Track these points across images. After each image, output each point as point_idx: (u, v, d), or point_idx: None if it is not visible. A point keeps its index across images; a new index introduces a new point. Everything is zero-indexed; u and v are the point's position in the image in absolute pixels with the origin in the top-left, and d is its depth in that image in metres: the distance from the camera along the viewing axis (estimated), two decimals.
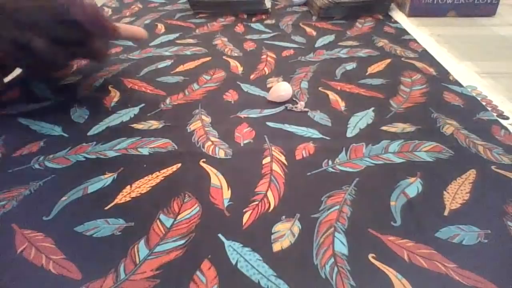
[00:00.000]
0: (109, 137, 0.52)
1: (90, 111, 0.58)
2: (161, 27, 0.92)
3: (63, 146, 0.50)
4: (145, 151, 0.49)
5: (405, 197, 0.41)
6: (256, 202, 0.41)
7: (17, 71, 0.68)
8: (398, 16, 0.98)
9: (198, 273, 0.33)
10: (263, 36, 0.86)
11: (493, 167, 0.45)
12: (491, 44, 0.82)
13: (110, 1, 1.14)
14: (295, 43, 0.81)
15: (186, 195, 0.42)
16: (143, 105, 0.59)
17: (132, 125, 0.54)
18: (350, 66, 0.70)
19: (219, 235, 0.37)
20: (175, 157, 0.48)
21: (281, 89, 0.58)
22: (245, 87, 0.64)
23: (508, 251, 0.35)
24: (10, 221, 0.39)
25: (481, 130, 0.51)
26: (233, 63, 0.73)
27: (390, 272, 0.33)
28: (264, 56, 0.75)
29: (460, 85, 0.63)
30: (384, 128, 0.52)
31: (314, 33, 0.87)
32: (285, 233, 0.37)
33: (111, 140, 0.51)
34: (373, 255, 0.35)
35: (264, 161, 0.47)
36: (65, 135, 0.53)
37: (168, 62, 0.73)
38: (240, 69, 0.71)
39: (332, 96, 0.61)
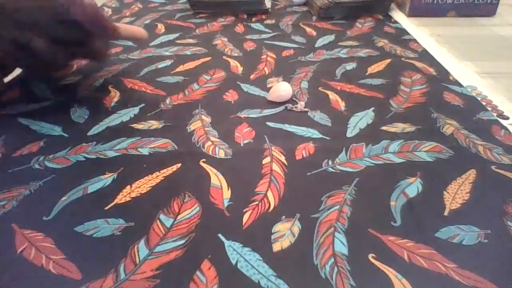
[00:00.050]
0: (109, 137, 0.52)
1: (90, 111, 0.58)
2: (161, 27, 0.92)
3: (63, 146, 0.50)
4: (145, 151, 0.49)
5: (405, 197, 0.41)
6: (256, 202, 0.41)
7: (17, 71, 0.68)
8: (398, 16, 0.98)
9: (198, 273, 0.33)
10: (263, 36, 0.86)
11: (493, 167, 0.45)
12: (491, 44, 0.82)
13: (110, 1, 1.14)
14: (295, 43, 0.81)
15: (186, 195, 0.42)
16: (143, 105, 0.59)
17: (132, 125, 0.54)
18: (350, 66, 0.70)
19: (219, 235, 0.37)
20: (175, 157, 0.48)
21: (281, 89, 0.58)
22: (245, 87, 0.64)
23: (508, 251, 0.35)
24: (10, 221, 0.39)
25: (481, 130, 0.51)
26: (233, 63, 0.73)
27: (390, 272, 0.33)
28: (264, 56, 0.75)
29: (460, 85, 0.63)
30: (384, 128, 0.52)
31: (314, 33, 0.87)
32: (285, 233, 0.37)
33: (111, 140, 0.51)
34: (373, 255, 0.35)
35: (264, 161, 0.47)
36: (65, 135, 0.53)
37: (168, 62, 0.73)
38: (240, 69, 0.71)
39: (332, 96, 0.61)
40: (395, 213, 0.39)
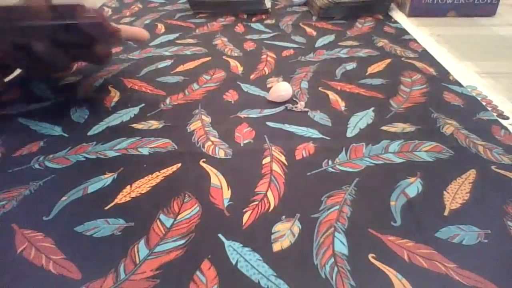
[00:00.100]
0: (109, 137, 0.52)
1: (90, 111, 0.58)
2: (161, 27, 0.92)
3: (63, 146, 0.50)
4: (145, 151, 0.49)
5: (405, 197, 0.41)
6: (256, 202, 0.41)
7: (17, 71, 0.68)
8: (398, 16, 0.98)
9: (198, 273, 0.33)
10: (263, 36, 0.86)
11: (493, 167, 0.45)
12: (491, 44, 0.82)
13: (110, 1, 1.14)
14: (295, 43, 0.81)
15: (186, 195, 0.42)
16: (143, 105, 0.59)
17: (132, 125, 0.54)
18: (350, 66, 0.70)
19: (219, 235, 0.37)
20: (175, 157, 0.48)
21: (281, 89, 0.58)
22: (245, 87, 0.64)
23: (508, 251, 0.35)
24: (10, 221, 0.39)
25: (481, 130, 0.51)
26: (233, 63, 0.73)
27: (390, 272, 0.33)
28: (264, 56, 0.75)
29: (460, 85, 0.63)
30: (384, 128, 0.52)
31: (314, 33, 0.87)
32: (285, 233, 0.37)
33: (111, 140, 0.51)
34: (373, 255, 0.35)
35: (264, 161, 0.47)
36: (65, 135, 0.53)
37: (168, 62, 0.73)
38: (240, 69, 0.71)
39: (332, 96, 0.61)
40: (395, 213, 0.39)
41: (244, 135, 0.52)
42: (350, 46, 0.79)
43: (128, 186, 0.43)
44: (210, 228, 0.38)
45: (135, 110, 0.58)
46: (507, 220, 0.38)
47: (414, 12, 0.98)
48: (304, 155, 0.47)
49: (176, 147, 0.50)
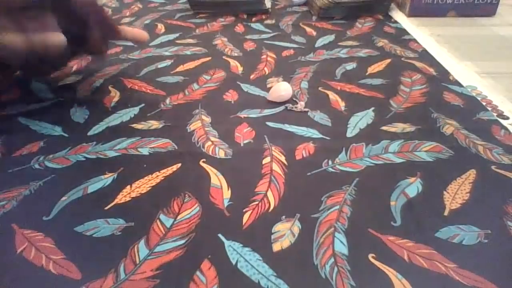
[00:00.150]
0: (109, 137, 0.52)
1: (90, 111, 0.58)
2: (161, 27, 0.92)
3: (63, 146, 0.50)
4: (145, 151, 0.49)
5: (405, 197, 0.41)
6: (256, 202, 0.41)
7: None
8: (398, 16, 0.98)
9: (198, 273, 0.33)
10: (263, 36, 0.86)
11: (493, 167, 0.45)
12: (491, 44, 0.82)
13: (110, 1, 1.14)
14: (295, 43, 0.81)
15: (186, 195, 0.42)
16: (143, 105, 0.59)
17: (132, 125, 0.54)
18: (350, 66, 0.70)
19: (219, 235, 0.37)
20: (175, 157, 0.48)
21: (281, 89, 0.58)
22: (245, 87, 0.64)
23: (508, 251, 0.35)
24: (10, 221, 0.39)
25: (481, 130, 0.51)
26: (233, 63, 0.73)
27: (390, 272, 0.33)
28: (264, 56, 0.75)
29: (460, 85, 0.63)
30: (384, 128, 0.52)
31: (314, 33, 0.87)
32: (285, 233, 0.37)
33: (111, 140, 0.51)
34: (373, 255, 0.35)
35: (264, 161, 0.47)
36: (65, 135, 0.53)
37: (168, 62, 0.73)
38: (240, 69, 0.71)
39: (332, 96, 0.61)
40: (395, 213, 0.39)
41: (244, 135, 0.52)
42: (350, 46, 0.79)
43: (128, 186, 0.43)
44: (210, 228, 0.38)
45: (135, 110, 0.58)
46: (507, 220, 0.38)
47: (414, 12, 0.98)
48: (304, 155, 0.47)
49: (176, 147, 0.50)
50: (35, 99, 0.62)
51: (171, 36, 0.86)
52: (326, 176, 0.44)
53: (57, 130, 0.54)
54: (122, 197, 0.42)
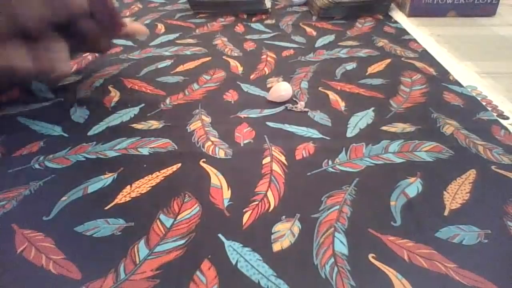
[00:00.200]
0: (109, 137, 0.52)
1: (90, 111, 0.58)
2: (161, 27, 0.92)
3: (63, 146, 0.50)
4: (145, 151, 0.49)
5: (405, 197, 0.41)
6: (256, 202, 0.41)
7: None
8: (398, 16, 0.98)
9: (198, 273, 0.33)
10: (263, 36, 0.86)
11: (493, 167, 0.45)
12: (491, 44, 0.82)
13: None
14: (295, 43, 0.81)
15: (186, 195, 0.42)
16: (143, 105, 0.59)
17: (132, 125, 0.54)
18: (350, 66, 0.70)
19: (219, 235, 0.37)
20: (175, 157, 0.48)
21: (281, 89, 0.58)
22: (245, 87, 0.64)
23: (508, 251, 0.35)
24: (10, 221, 0.39)
25: (481, 130, 0.51)
26: (233, 63, 0.73)
27: (390, 272, 0.33)
28: (264, 56, 0.75)
29: (460, 85, 0.63)
30: (384, 128, 0.52)
31: (314, 33, 0.87)
32: (285, 233, 0.37)
33: (111, 140, 0.51)
34: (373, 255, 0.35)
35: (264, 161, 0.47)
36: (65, 135, 0.53)
37: (168, 62, 0.73)
38: (240, 69, 0.71)
39: (332, 96, 0.61)
40: (395, 213, 0.39)
41: (244, 135, 0.52)
42: (350, 46, 0.79)
43: (128, 186, 0.43)
44: (210, 228, 0.38)
45: (135, 110, 0.58)
46: (507, 220, 0.38)
47: (414, 12, 0.98)
48: (304, 155, 0.47)
49: (176, 147, 0.50)
50: (35, 99, 0.62)
51: (171, 36, 0.86)
52: (326, 176, 0.44)
53: (57, 130, 0.54)
54: (122, 197, 0.42)
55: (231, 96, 0.61)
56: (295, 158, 0.47)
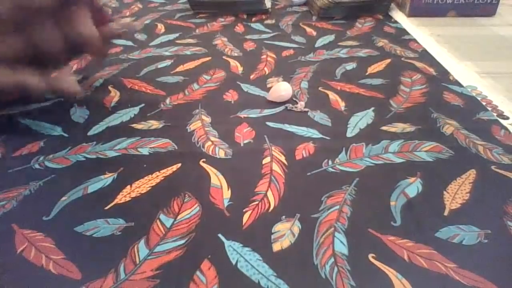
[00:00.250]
0: (109, 137, 0.52)
1: (90, 111, 0.58)
2: (161, 27, 0.92)
3: (63, 146, 0.50)
4: (145, 151, 0.49)
5: (405, 197, 0.41)
6: (256, 202, 0.41)
7: None
8: (398, 16, 0.98)
9: (198, 273, 0.33)
10: (263, 36, 0.86)
11: (493, 167, 0.45)
12: (491, 44, 0.82)
13: (110, 1, 1.14)
14: (295, 43, 0.81)
15: (186, 195, 0.42)
16: (143, 105, 0.59)
17: (132, 125, 0.54)
18: (350, 66, 0.70)
19: (219, 235, 0.37)
20: (175, 157, 0.48)
21: (281, 89, 0.58)
22: (245, 87, 0.64)
23: (508, 251, 0.35)
24: (10, 221, 0.39)
25: (481, 130, 0.51)
26: (233, 63, 0.73)
27: (390, 272, 0.33)
28: (264, 56, 0.75)
29: (460, 85, 0.63)
30: (384, 128, 0.52)
31: (314, 33, 0.87)
32: (285, 233, 0.37)
33: (111, 140, 0.51)
34: (373, 255, 0.35)
35: (264, 161, 0.47)
36: (65, 135, 0.53)
37: (168, 62, 0.73)
38: (240, 69, 0.71)
39: (332, 96, 0.61)
40: (395, 213, 0.39)
41: (244, 135, 0.52)
42: (350, 46, 0.79)
43: (128, 186, 0.43)
44: (210, 228, 0.38)
45: (135, 110, 0.58)
46: (507, 220, 0.38)
47: (414, 12, 0.98)
48: (304, 155, 0.47)
49: (176, 147, 0.50)
50: (35, 99, 0.61)
51: (171, 36, 0.86)
52: (326, 176, 0.44)
53: (57, 130, 0.54)
54: (122, 197, 0.42)
55: (231, 96, 0.61)
56: (295, 158, 0.47)
